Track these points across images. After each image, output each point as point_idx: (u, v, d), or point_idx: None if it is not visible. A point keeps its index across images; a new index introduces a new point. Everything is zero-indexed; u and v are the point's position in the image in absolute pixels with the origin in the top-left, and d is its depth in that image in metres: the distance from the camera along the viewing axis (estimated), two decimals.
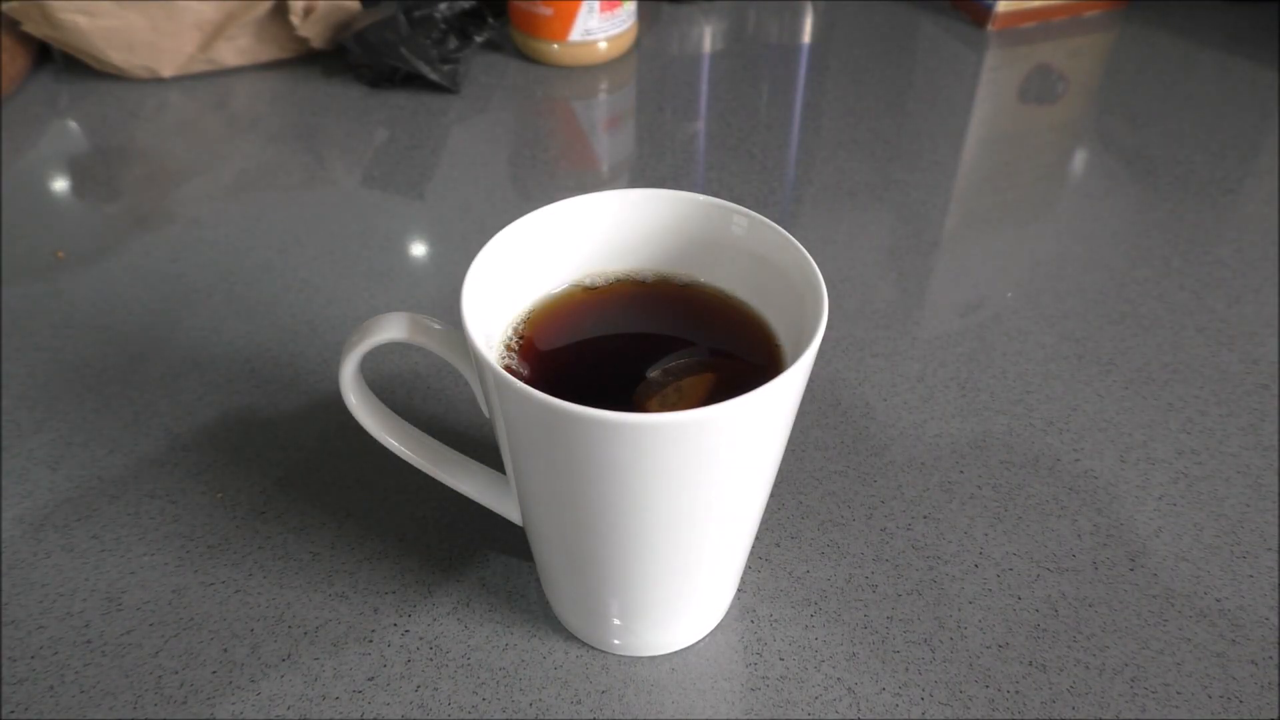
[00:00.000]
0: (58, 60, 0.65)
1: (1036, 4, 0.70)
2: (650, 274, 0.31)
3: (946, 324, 0.45)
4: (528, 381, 0.23)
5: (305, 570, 0.34)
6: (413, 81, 0.63)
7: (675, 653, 0.32)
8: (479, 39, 0.65)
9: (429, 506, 0.36)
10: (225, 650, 0.32)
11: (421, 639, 0.32)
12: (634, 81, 0.65)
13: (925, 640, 0.32)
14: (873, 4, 0.75)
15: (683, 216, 0.30)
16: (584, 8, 0.62)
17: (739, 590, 0.34)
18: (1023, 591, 0.34)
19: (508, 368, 0.27)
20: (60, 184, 0.55)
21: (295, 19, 0.62)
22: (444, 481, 0.32)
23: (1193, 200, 0.54)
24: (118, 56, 0.62)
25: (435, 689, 0.31)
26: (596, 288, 0.31)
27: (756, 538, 0.33)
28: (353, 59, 0.63)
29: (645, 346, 0.29)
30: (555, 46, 0.64)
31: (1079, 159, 0.58)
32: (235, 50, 0.64)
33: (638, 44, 0.69)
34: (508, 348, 0.28)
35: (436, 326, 0.28)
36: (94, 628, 0.32)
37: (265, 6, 0.62)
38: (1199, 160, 0.57)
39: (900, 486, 0.37)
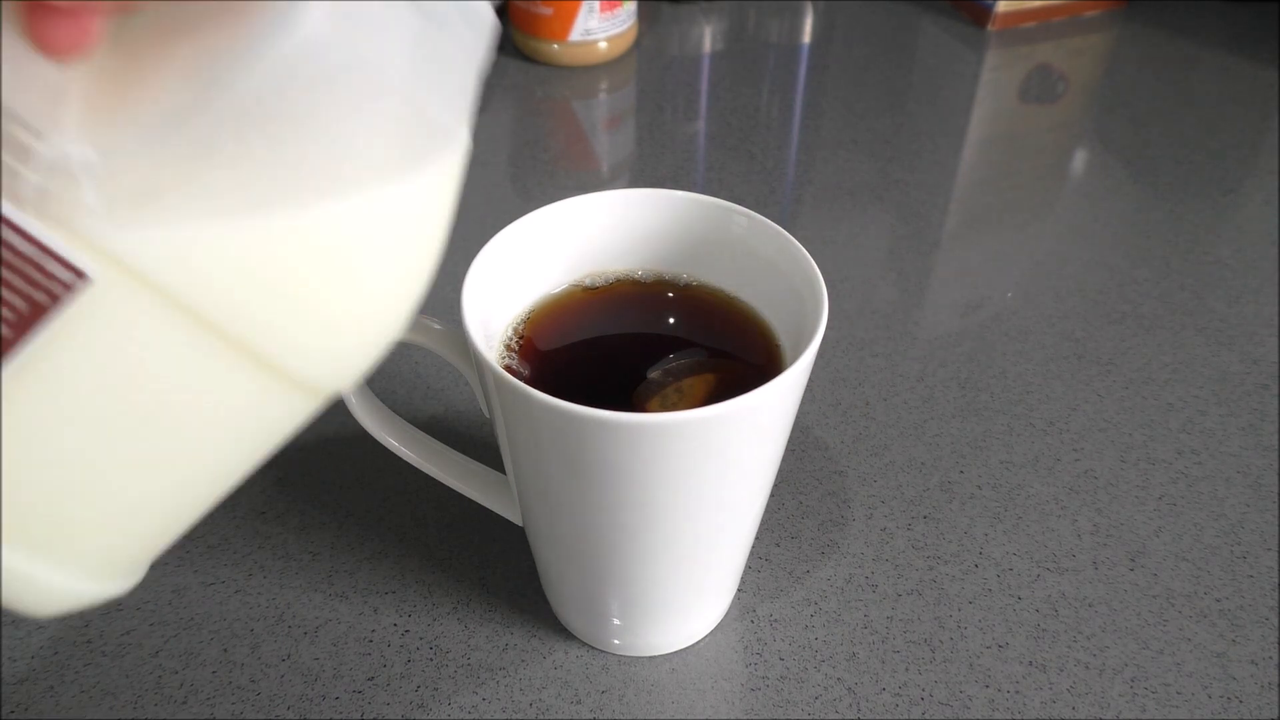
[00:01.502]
0: None
1: (1036, 4, 0.70)
2: (650, 274, 0.31)
3: (946, 324, 0.45)
4: (528, 382, 0.23)
5: (305, 570, 0.34)
6: None
7: (675, 653, 0.32)
8: None
9: (429, 506, 0.36)
10: (225, 650, 0.32)
11: (421, 639, 0.32)
12: (634, 81, 0.65)
13: (925, 640, 0.32)
14: (873, 4, 0.75)
15: (683, 216, 0.30)
16: (584, 8, 0.62)
17: (739, 590, 0.34)
18: (1023, 591, 0.34)
19: (508, 368, 0.27)
20: None
21: None
22: (444, 481, 0.32)
23: (1193, 200, 0.54)
24: None
25: (435, 689, 0.31)
26: (596, 288, 0.31)
27: (756, 538, 0.33)
28: None
29: (645, 347, 0.29)
30: (555, 46, 0.64)
31: (1079, 159, 0.58)
32: None
33: (638, 44, 0.69)
34: (508, 348, 0.28)
35: (436, 326, 0.28)
36: (94, 628, 0.32)
37: None
38: (1199, 160, 0.57)
39: (900, 486, 0.37)
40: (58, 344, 0.16)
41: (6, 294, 0.16)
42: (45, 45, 0.15)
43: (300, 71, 0.16)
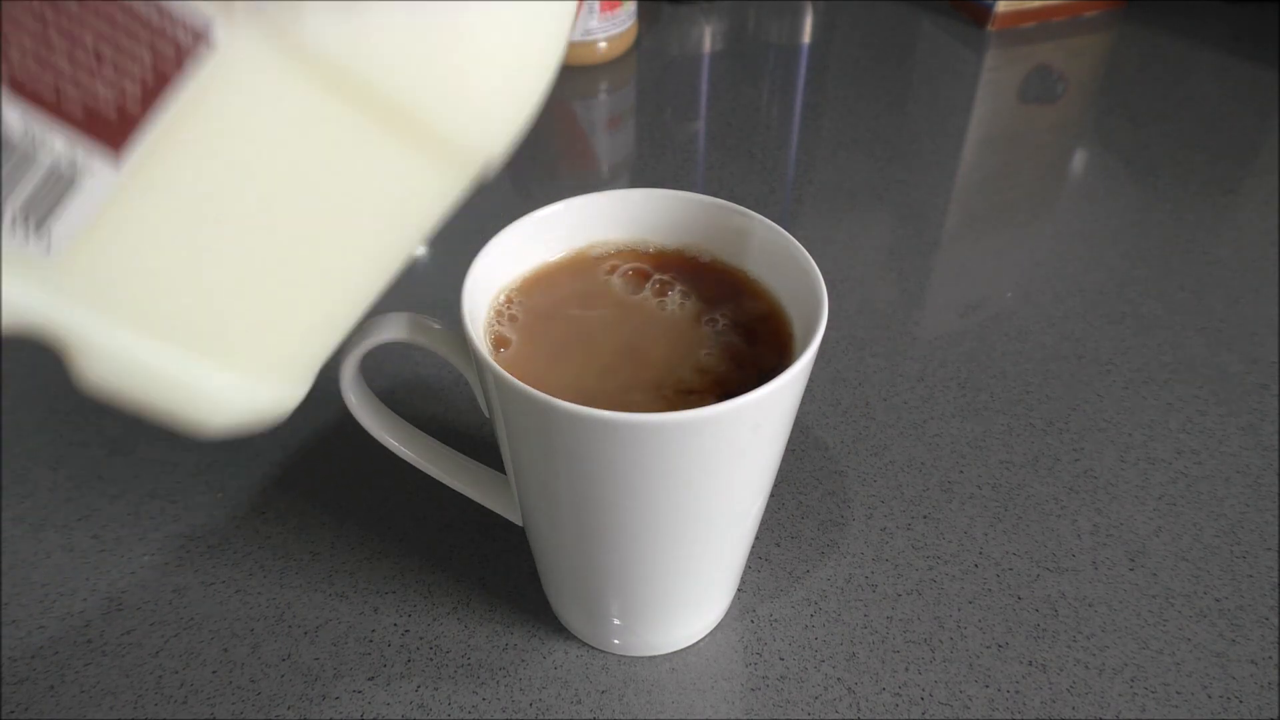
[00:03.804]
0: None
1: (1036, 4, 0.70)
2: (655, 246, 0.31)
3: (946, 324, 0.45)
4: (517, 349, 0.23)
5: (305, 570, 0.34)
6: None
7: (675, 653, 0.32)
8: None
9: (429, 506, 0.36)
10: (225, 650, 0.32)
11: (421, 639, 0.32)
12: (634, 81, 0.65)
13: (925, 640, 0.32)
14: (873, 4, 0.75)
15: (683, 216, 0.30)
16: (584, 8, 0.62)
17: (739, 590, 0.34)
18: (1023, 591, 0.34)
19: (499, 336, 0.27)
20: None
21: None
22: (444, 481, 0.32)
23: (1193, 200, 0.54)
24: None
25: (435, 689, 0.31)
26: (596, 256, 0.30)
27: (756, 538, 0.33)
28: None
29: (641, 313, 0.29)
30: None
31: (1079, 159, 0.58)
32: None
33: (638, 44, 0.69)
34: (498, 314, 0.28)
35: (436, 326, 0.28)
36: (94, 628, 0.32)
37: None
38: (1199, 160, 0.57)
39: (900, 486, 0.37)
40: (190, 118, 0.15)
41: (131, 65, 0.14)
42: None
43: None
